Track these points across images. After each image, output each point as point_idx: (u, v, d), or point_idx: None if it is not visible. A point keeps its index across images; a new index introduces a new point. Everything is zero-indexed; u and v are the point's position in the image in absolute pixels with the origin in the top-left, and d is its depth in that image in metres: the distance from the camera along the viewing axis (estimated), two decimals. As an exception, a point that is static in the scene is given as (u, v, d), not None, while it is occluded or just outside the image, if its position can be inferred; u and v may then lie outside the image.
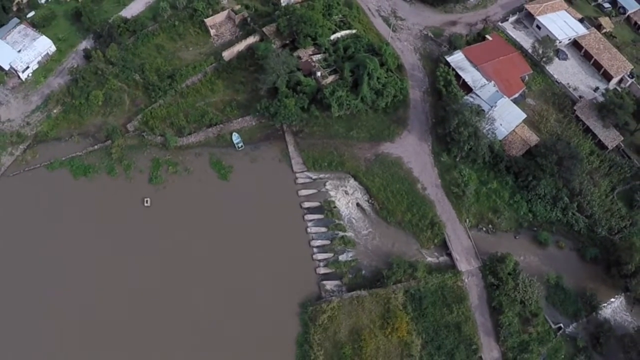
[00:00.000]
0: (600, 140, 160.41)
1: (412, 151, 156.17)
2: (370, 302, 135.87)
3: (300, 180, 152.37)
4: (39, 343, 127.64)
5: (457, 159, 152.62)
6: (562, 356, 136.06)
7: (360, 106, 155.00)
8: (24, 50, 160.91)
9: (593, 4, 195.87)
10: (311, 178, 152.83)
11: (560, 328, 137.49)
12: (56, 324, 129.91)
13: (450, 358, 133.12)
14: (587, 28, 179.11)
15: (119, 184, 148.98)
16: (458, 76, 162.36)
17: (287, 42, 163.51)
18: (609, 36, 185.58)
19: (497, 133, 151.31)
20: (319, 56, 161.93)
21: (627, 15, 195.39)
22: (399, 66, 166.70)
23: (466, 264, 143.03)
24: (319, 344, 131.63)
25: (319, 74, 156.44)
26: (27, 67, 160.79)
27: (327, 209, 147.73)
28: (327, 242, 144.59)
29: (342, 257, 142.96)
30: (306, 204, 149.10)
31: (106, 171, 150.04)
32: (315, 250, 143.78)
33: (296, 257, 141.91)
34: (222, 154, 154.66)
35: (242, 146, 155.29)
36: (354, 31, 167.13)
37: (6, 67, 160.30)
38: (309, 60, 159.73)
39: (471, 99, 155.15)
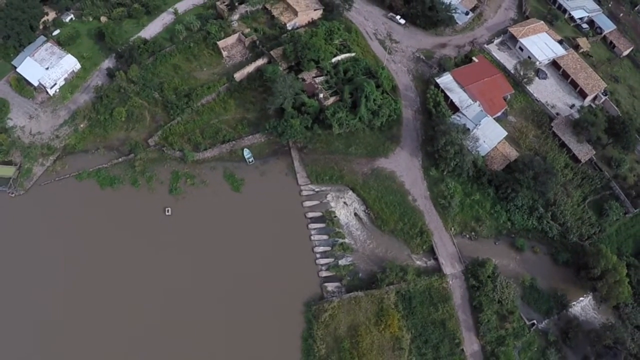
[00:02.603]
0: (574, 154, 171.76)
1: (404, 166, 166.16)
2: (366, 302, 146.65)
3: (304, 193, 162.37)
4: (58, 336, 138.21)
5: (445, 173, 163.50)
6: (535, 349, 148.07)
7: (359, 125, 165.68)
8: (52, 67, 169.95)
9: (572, 24, 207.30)
10: (314, 190, 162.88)
11: (533, 324, 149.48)
12: (79, 322, 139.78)
13: (435, 351, 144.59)
14: (566, 49, 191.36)
15: (142, 194, 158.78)
16: (447, 96, 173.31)
17: (293, 64, 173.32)
18: (586, 55, 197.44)
19: (481, 149, 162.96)
20: (321, 78, 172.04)
21: (603, 35, 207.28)
22: (394, 87, 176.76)
23: (451, 268, 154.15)
24: (322, 338, 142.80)
25: (321, 95, 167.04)
26: (55, 84, 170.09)
27: (328, 219, 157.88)
28: (329, 248, 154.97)
29: (342, 262, 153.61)
30: (310, 214, 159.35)
31: (130, 182, 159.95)
32: (318, 255, 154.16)
33: (301, 262, 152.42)
34: (235, 168, 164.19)
35: (252, 161, 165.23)
36: (353, 54, 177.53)
37: (35, 83, 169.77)
38: (313, 82, 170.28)
39: (458, 118, 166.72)
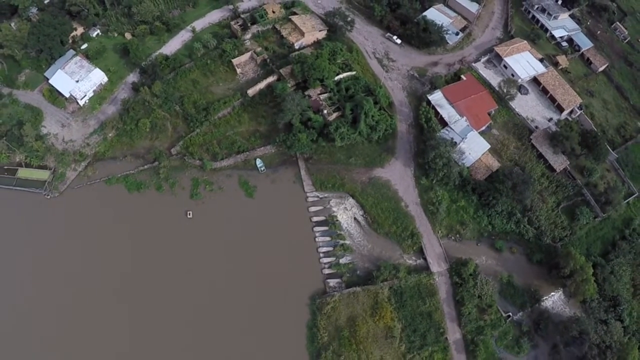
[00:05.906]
0: (550, 164, 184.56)
1: (398, 175, 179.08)
2: (363, 296, 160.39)
3: (310, 199, 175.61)
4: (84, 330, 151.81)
5: (434, 182, 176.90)
6: (510, 338, 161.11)
7: (358, 139, 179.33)
8: (81, 80, 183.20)
9: (553, 42, 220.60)
10: (319, 197, 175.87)
11: (509, 316, 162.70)
12: (105, 317, 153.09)
13: (423, 339, 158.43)
14: (546, 67, 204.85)
15: (166, 198, 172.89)
16: (437, 112, 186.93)
17: (300, 81, 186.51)
18: (565, 71, 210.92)
19: (466, 161, 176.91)
20: (325, 95, 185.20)
21: (581, 52, 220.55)
22: (390, 103, 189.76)
23: (437, 267, 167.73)
24: (324, 327, 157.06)
25: (325, 111, 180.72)
26: (85, 95, 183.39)
27: (330, 222, 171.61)
28: (331, 248, 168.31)
29: (342, 261, 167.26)
30: (315, 218, 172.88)
31: (155, 187, 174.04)
32: (321, 255, 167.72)
33: (307, 260, 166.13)
34: (248, 176, 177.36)
35: (264, 169, 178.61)
36: (353, 73, 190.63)
37: (66, 95, 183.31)
38: (318, 99, 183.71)
39: (446, 132, 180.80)
